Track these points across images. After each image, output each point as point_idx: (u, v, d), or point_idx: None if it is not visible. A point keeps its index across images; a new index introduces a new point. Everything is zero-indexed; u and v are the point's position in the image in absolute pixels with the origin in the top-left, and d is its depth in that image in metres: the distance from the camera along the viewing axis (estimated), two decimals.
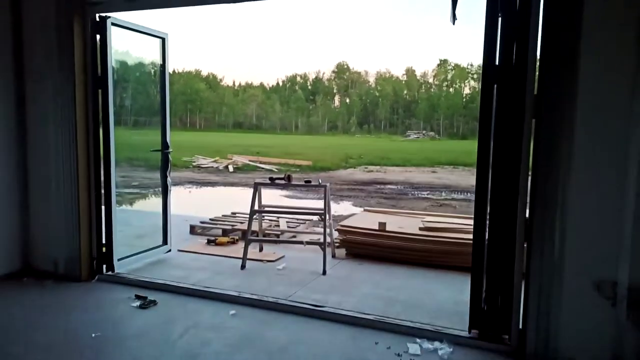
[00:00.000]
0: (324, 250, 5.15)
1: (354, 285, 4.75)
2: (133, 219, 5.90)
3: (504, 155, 3.24)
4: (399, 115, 76.99)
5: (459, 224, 5.73)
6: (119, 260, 4.84)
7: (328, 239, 5.37)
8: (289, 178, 5.61)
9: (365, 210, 7.61)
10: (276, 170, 20.77)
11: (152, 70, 5.64)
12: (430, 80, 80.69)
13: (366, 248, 5.70)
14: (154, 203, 5.63)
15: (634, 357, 2.91)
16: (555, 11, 2.97)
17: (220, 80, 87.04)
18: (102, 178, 4.74)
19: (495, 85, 3.26)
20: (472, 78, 73.10)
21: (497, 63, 3.23)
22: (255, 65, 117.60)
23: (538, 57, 3.08)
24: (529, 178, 3.14)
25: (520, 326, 3.26)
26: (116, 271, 4.80)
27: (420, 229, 5.68)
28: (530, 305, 3.15)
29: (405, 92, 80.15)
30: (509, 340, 3.34)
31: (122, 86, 5.40)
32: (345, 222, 6.23)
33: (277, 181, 5.62)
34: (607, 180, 2.91)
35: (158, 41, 5.32)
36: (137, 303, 4.14)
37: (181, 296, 4.36)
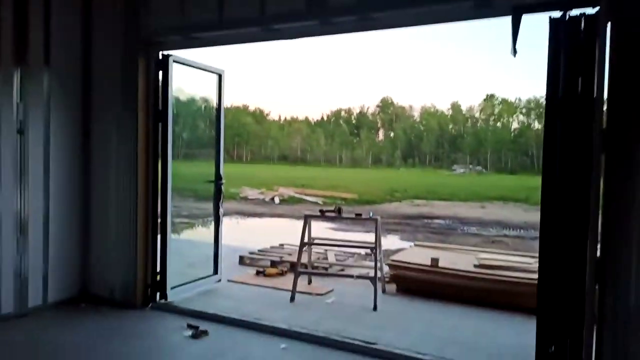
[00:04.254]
0: (374, 284, 5.04)
1: (406, 323, 4.60)
2: (184, 248, 6.00)
3: (571, 190, 3.10)
4: (445, 149, 75.96)
5: (516, 262, 5.49)
6: (171, 288, 4.91)
7: (379, 274, 5.26)
8: (339, 211, 5.58)
9: (415, 244, 7.44)
10: (321, 202, 20.81)
11: (203, 106, 5.97)
12: (477, 115, 79.61)
13: (418, 284, 5.53)
14: (201, 232, 5.73)
15: None
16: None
17: (267, 114, 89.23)
18: (159, 207, 4.88)
19: (559, 120, 3.16)
20: (521, 112, 71.52)
21: (559, 97, 3.14)
22: (301, 100, 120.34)
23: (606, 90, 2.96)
24: (600, 215, 2.97)
25: None
26: (169, 299, 4.86)
27: (475, 266, 5.47)
28: (605, 353, 2.92)
29: (450, 126, 79.30)
30: None
31: (176, 121, 5.65)
32: (396, 257, 6.10)
33: (327, 214, 5.60)
34: None
35: (214, 77, 5.52)
36: (189, 332, 4.15)
37: (231, 327, 4.35)
